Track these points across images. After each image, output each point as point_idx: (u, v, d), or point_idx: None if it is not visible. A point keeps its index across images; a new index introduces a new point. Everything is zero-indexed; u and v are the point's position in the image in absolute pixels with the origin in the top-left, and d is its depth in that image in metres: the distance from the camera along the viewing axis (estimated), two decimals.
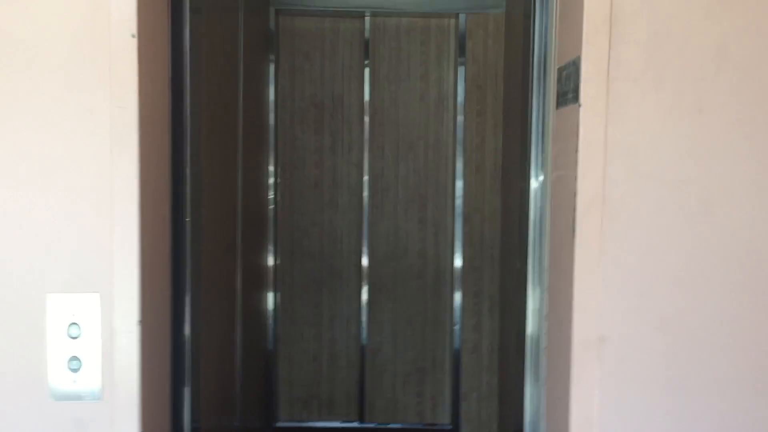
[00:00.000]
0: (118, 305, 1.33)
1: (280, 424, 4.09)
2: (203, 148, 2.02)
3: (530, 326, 1.78)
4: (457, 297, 3.97)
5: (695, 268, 1.35)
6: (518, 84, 3.13)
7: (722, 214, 1.34)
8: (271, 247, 3.95)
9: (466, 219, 3.94)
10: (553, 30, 1.55)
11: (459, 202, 3.94)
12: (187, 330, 1.70)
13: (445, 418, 4.10)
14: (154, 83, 1.43)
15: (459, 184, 3.94)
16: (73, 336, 1.33)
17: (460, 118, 3.91)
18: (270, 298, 3.97)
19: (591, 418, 1.35)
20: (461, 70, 3.91)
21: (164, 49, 1.53)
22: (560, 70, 1.49)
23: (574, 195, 1.33)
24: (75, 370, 1.33)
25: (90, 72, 1.30)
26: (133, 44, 1.30)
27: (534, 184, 1.76)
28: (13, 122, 1.29)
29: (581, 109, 1.32)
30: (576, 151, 1.33)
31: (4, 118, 1.29)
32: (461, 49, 3.90)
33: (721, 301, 1.35)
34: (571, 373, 1.36)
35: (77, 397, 1.33)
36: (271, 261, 3.95)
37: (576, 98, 1.34)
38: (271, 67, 3.91)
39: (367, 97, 4.01)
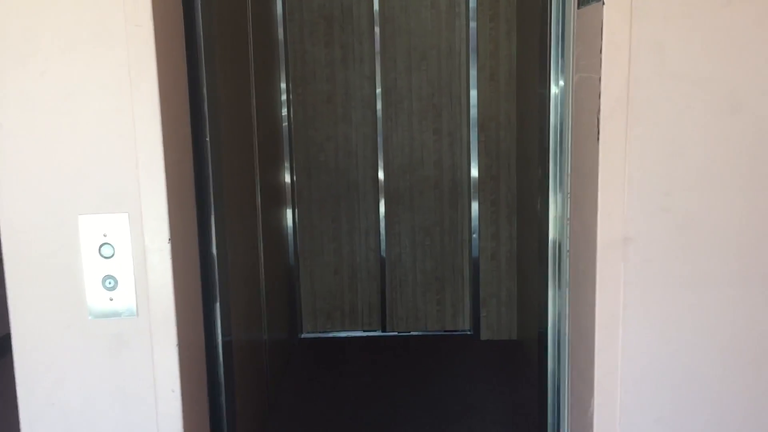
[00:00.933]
0: (147, 224, 1.35)
1: (305, 335, 4.20)
2: (217, 65, 2.00)
3: (552, 231, 1.80)
4: (475, 206, 3.99)
5: (721, 166, 1.34)
6: None
7: (749, 110, 1.32)
8: (287, 164, 3.95)
9: (482, 128, 3.91)
10: None
11: (474, 111, 3.90)
12: (213, 248, 1.73)
13: (465, 325, 4.20)
14: (166, 1, 1.40)
15: (473, 93, 3.89)
16: (106, 255, 1.35)
17: (472, 25, 3.83)
18: (289, 214, 4.01)
19: (616, 315, 1.38)
20: None
21: None
22: None
23: (598, 97, 1.32)
24: (111, 288, 1.36)
25: None
26: None
27: (554, 88, 1.74)
28: (32, 47, 1.28)
29: (605, 8, 1.28)
30: (600, 51, 1.30)
31: (25, 44, 1.28)
32: None
33: (745, 197, 1.35)
34: (596, 274, 1.38)
35: (115, 314, 1.37)
36: (288, 177, 3.97)
37: None
38: None
39: (376, 6, 3.92)
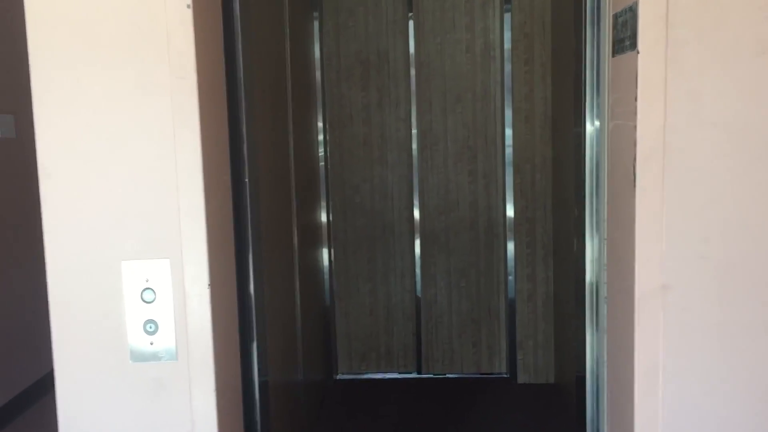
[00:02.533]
0: (188, 270, 1.38)
1: (340, 377, 4.19)
2: (256, 109, 2.05)
3: (589, 275, 1.79)
4: (510, 247, 3.97)
5: (757, 213, 1.33)
6: (569, 31, 3.07)
7: None
8: (323, 204, 3.99)
9: (517, 169, 3.92)
10: None
11: (509, 152, 3.91)
12: (251, 288, 1.75)
13: (501, 368, 4.15)
14: (209, 51, 1.45)
15: (508, 134, 3.90)
16: (148, 300, 1.38)
17: (507, 68, 3.86)
18: (325, 254, 4.03)
19: (656, 363, 1.36)
20: (507, 17, 3.84)
21: (217, 17, 1.54)
22: (616, 17, 1.46)
23: (634, 144, 1.32)
24: (151, 333, 1.39)
25: (149, 45, 1.32)
26: (188, 14, 1.32)
27: (590, 133, 1.74)
28: (79, 98, 1.34)
29: (639, 57, 1.29)
30: (635, 99, 1.31)
31: (72, 96, 1.33)
32: None
33: None
34: (634, 321, 1.36)
35: (155, 358, 1.40)
36: (324, 218, 4.01)
37: (634, 45, 1.31)
38: (316, 25, 3.90)
39: (412, 50, 3.98)
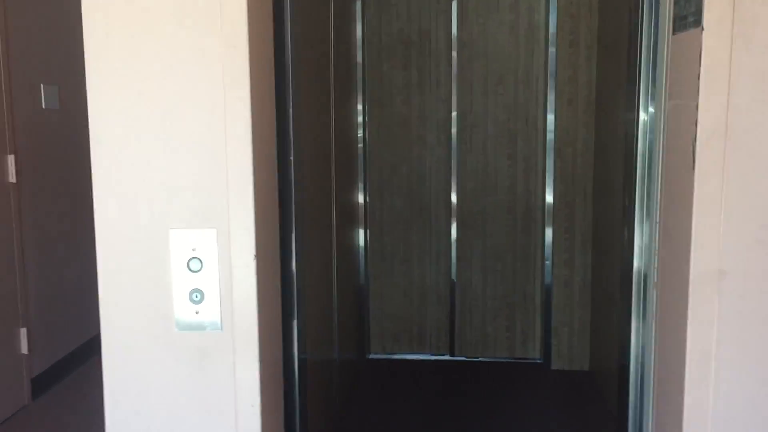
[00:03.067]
0: (234, 240, 1.38)
1: (372, 356, 4.20)
2: (302, 87, 2.04)
3: (637, 261, 1.75)
4: (548, 233, 3.93)
5: None
6: (619, 11, 3.00)
7: None
8: (361, 185, 3.98)
9: (558, 154, 3.86)
10: None
11: (550, 136, 3.86)
12: (293, 265, 1.75)
13: (535, 353, 4.12)
14: (260, 23, 1.44)
15: (550, 118, 3.84)
16: (194, 270, 1.39)
17: (551, 50, 3.79)
18: (361, 234, 4.03)
19: (709, 352, 1.33)
20: None
21: None
22: None
23: (695, 124, 1.28)
24: (197, 302, 1.39)
25: (201, 14, 1.32)
26: None
27: (643, 115, 1.70)
28: (135, 69, 1.33)
29: (704, 33, 1.25)
30: (698, 78, 1.27)
31: (128, 66, 1.33)
32: None
33: None
34: (688, 308, 1.33)
35: (200, 327, 1.40)
36: (361, 198, 4.00)
37: (698, 22, 1.27)
38: (358, 4, 3.87)
39: (454, 31, 3.93)
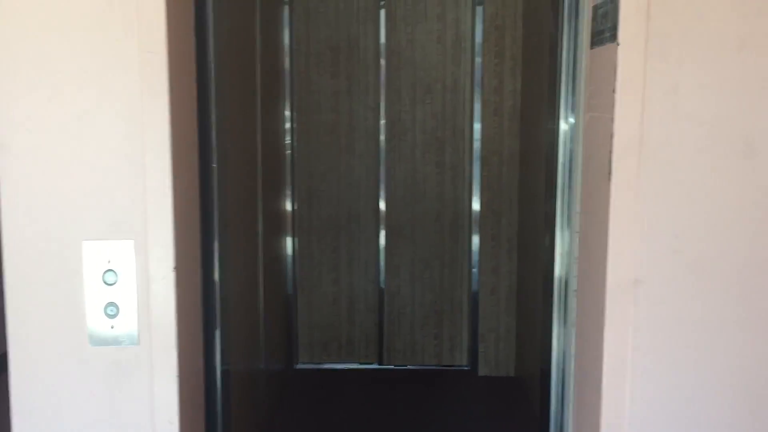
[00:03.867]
0: (152, 252, 1.33)
1: (300, 366, 4.16)
2: (226, 93, 2.00)
3: (558, 269, 1.78)
4: (475, 240, 3.98)
5: (736, 207, 1.33)
6: (542, 24, 3.07)
7: (763, 155, 1.31)
8: (288, 192, 3.95)
9: (484, 162, 3.92)
10: None
11: (477, 145, 3.91)
12: (216, 275, 1.71)
13: (462, 360, 4.16)
14: (180, 28, 1.41)
15: (477, 127, 3.90)
16: (110, 282, 1.34)
17: (478, 60, 3.85)
18: (289, 243, 3.99)
19: (625, 358, 1.36)
20: (479, 10, 3.83)
21: None
22: (595, 8, 1.45)
23: (611, 137, 1.31)
24: (112, 316, 1.34)
25: (118, 17, 1.27)
26: None
27: (563, 125, 1.74)
28: (47, 72, 1.28)
29: (619, 48, 1.29)
30: (613, 91, 1.30)
31: (39, 69, 1.28)
32: None
33: (760, 239, 1.34)
34: (604, 315, 1.36)
35: (115, 342, 1.35)
36: (289, 206, 3.96)
37: (614, 37, 1.30)
38: (286, 11, 3.84)
39: (383, 39, 3.95)
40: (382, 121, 4.00)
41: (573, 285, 1.66)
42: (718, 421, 1.40)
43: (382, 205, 4.06)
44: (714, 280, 1.35)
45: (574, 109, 1.66)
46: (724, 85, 1.30)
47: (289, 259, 4.01)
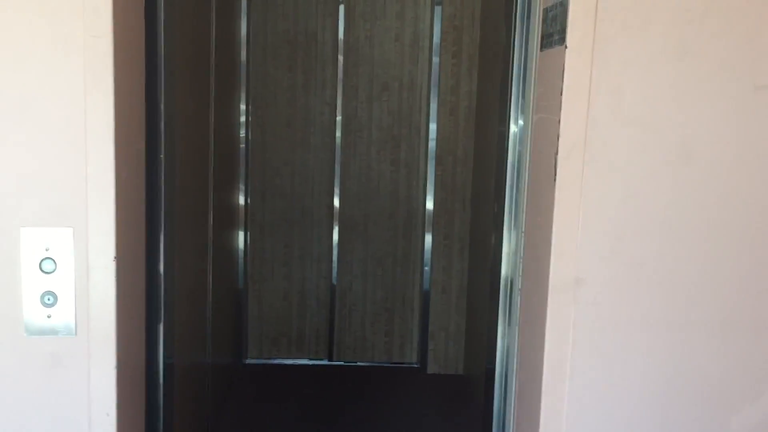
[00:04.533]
0: (93, 240, 1.31)
1: (249, 361, 4.13)
2: (177, 82, 1.97)
3: (505, 268, 1.80)
4: (428, 238, 3.99)
5: (674, 211, 1.37)
6: (498, 25, 3.10)
7: (702, 159, 1.35)
8: (242, 186, 3.91)
9: (439, 161, 3.94)
10: None
11: (432, 144, 3.93)
12: (161, 267, 1.69)
13: (412, 357, 4.17)
14: (128, 12, 1.38)
15: (432, 127, 3.92)
16: (47, 271, 1.31)
17: (435, 59, 3.87)
18: (241, 236, 3.95)
19: (564, 356, 1.39)
20: (438, 9, 3.84)
21: None
22: (546, 11, 1.47)
23: (557, 138, 1.33)
24: (49, 305, 1.31)
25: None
26: None
27: (513, 127, 1.76)
28: None
29: (567, 51, 1.30)
30: (560, 93, 1.32)
31: None
32: None
33: (697, 243, 1.38)
34: (546, 314, 1.38)
35: (52, 332, 1.32)
36: (242, 200, 3.92)
37: (562, 40, 1.32)
38: (244, 2, 3.80)
39: (341, 35, 3.94)
40: (339, 117, 3.99)
41: (518, 284, 1.68)
42: (654, 420, 1.43)
43: (336, 201, 4.05)
44: (652, 281, 1.38)
45: (523, 110, 1.68)
46: (666, 90, 1.33)
47: (241, 253, 3.97)
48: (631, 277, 1.38)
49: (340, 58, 3.95)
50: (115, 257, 1.32)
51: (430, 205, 3.97)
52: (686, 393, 1.43)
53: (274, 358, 4.15)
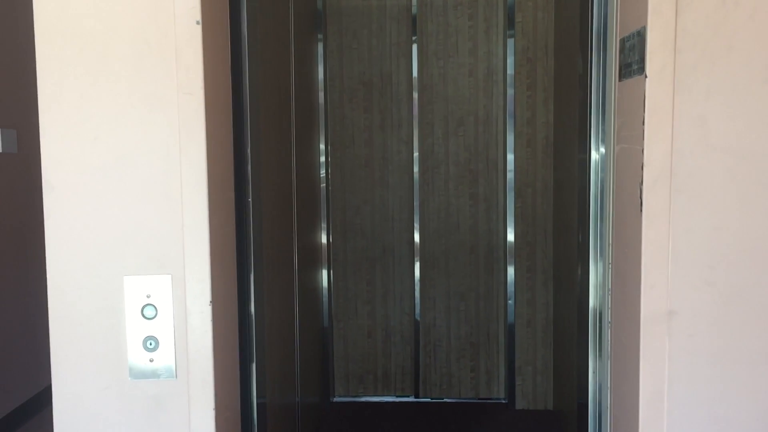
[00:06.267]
0: (190, 286, 1.37)
1: (336, 399, 4.16)
2: (261, 129, 2.05)
3: (592, 300, 1.77)
4: (510, 271, 3.96)
5: (764, 239, 1.32)
6: (572, 56, 3.08)
7: None
8: (323, 225, 3.99)
9: (518, 194, 3.92)
10: (615, 0, 1.52)
11: (510, 176, 3.92)
12: (252, 308, 1.74)
13: (500, 393, 4.11)
14: (216, 69, 1.46)
15: (510, 159, 3.91)
16: (149, 317, 1.37)
17: (510, 92, 3.87)
18: (324, 275, 4.02)
19: (661, 391, 1.35)
20: (510, 43, 3.86)
21: (225, 35, 1.55)
22: (623, 41, 1.46)
23: (641, 168, 1.32)
24: (151, 350, 1.38)
25: (157, 60, 1.33)
26: (198, 31, 1.32)
27: (594, 157, 1.74)
28: (87, 113, 1.33)
29: (647, 81, 1.30)
30: (642, 123, 1.31)
31: (82, 111, 1.33)
32: (510, 22, 3.85)
33: None
34: (639, 347, 1.35)
35: (154, 375, 1.38)
36: (324, 239, 4.00)
37: (641, 69, 1.32)
38: (320, 47, 3.92)
39: (415, 73, 4.00)
40: (416, 154, 4.04)
41: (607, 317, 1.65)
42: None
43: (417, 237, 4.08)
44: (748, 311, 1.34)
45: (603, 141, 1.67)
46: (753, 115, 1.30)
47: (325, 292, 4.03)
48: (727, 308, 1.34)
49: (415, 95, 4.01)
50: (210, 301, 1.38)
51: (511, 237, 3.95)
52: None
53: (361, 396, 4.17)
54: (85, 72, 1.33)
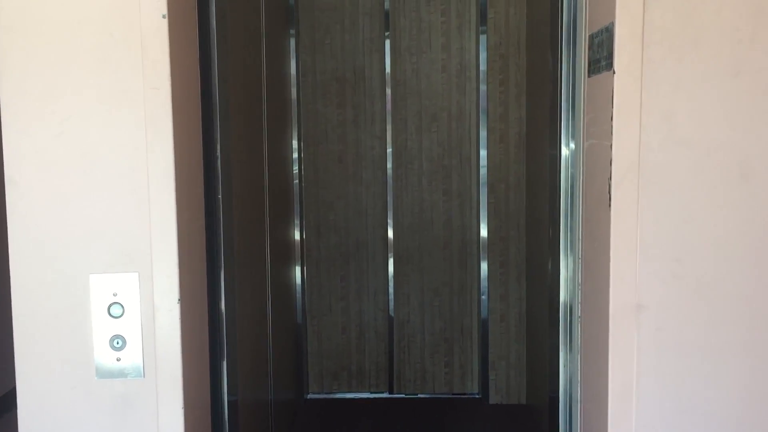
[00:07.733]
0: (157, 284, 1.35)
1: (311, 396, 4.14)
2: (231, 125, 2.03)
3: (563, 294, 1.78)
4: (484, 267, 3.97)
5: (732, 233, 1.34)
6: (544, 52, 3.10)
7: (759, 178, 1.32)
8: (297, 221, 3.97)
9: (491, 189, 3.93)
10: None
11: (483, 172, 3.93)
12: (222, 305, 1.73)
13: (473, 388, 4.13)
14: (184, 63, 1.44)
15: (483, 154, 3.92)
16: (116, 315, 1.35)
17: (482, 88, 3.88)
18: (297, 272, 4.00)
19: (630, 384, 1.36)
20: (483, 39, 3.87)
21: (193, 28, 1.53)
22: (592, 37, 1.47)
23: (610, 163, 1.33)
24: (118, 348, 1.36)
25: (123, 54, 1.30)
26: (164, 24, 1.30)
27: (564, 152, 1.75)
28: (51, 107, 1.31)
29: (615, 76, 1.30)
30: (611, 118, 1.31)
31: (46, 105, 1.31)
32: (482, 18, 3.86)
33: (760, 263, 1.35)
34: (609, 341, 1.36)
35: (122, 375, 1.36)
36: (297, 235, 3.98)
37: (610, 65, 1.32)
38: (292, 42, 3.90)
39: (388, 69, 3.99)
40: (389, 150, 4.03)
41: (577, 311, 1.66)
42: None
43: (391, 233, 4.08)
44: (716, 303, 1.35)
45: (573, 136, 1.68)
46: (719, 110, 1.31)
47: (298, 288, 4.02)
48: (695, 301, 1.35)
49: (388, 91, 4.00)
50: (179, 299, 1.36)
51: (484, 233, 3.96)
52: (759, 420, 1.38)
53: (335, 393, 4.16)
54: (49, 65, 1.30)
